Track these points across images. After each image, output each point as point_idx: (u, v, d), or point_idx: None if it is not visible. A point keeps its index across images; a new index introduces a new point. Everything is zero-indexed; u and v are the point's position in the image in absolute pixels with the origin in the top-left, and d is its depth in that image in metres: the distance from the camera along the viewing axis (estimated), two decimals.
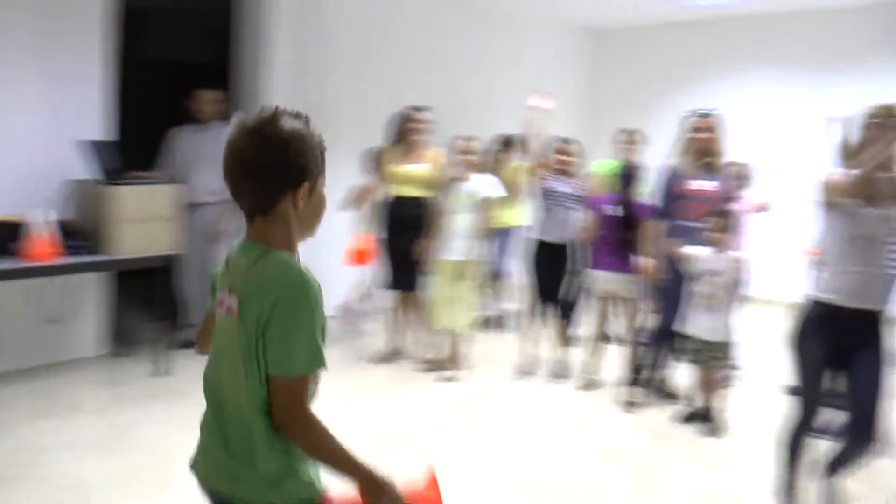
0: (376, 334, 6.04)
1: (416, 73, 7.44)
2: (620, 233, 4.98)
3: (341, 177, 6.66)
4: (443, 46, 7.73)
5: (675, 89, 8.81)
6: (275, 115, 1.62)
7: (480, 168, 5.48)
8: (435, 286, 5.35)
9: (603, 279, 5.14)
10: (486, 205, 5.24)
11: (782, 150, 7.82)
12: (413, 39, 7.40)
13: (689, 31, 8.82)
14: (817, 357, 3.27)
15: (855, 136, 3.20)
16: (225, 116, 5.75)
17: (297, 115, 1.66)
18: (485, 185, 5.29)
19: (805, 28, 8.02)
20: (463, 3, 7.82)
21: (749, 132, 8.18)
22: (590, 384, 5.28)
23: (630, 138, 5.91)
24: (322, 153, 1.68)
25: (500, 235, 6.40)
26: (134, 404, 4.56)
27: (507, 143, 6.74)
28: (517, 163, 6.53)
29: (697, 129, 4.67)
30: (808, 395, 3.35)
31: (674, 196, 4.69)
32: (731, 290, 4.43)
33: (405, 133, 5.50)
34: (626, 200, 5.01)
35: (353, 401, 4.85)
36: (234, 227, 5.68)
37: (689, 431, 4.55)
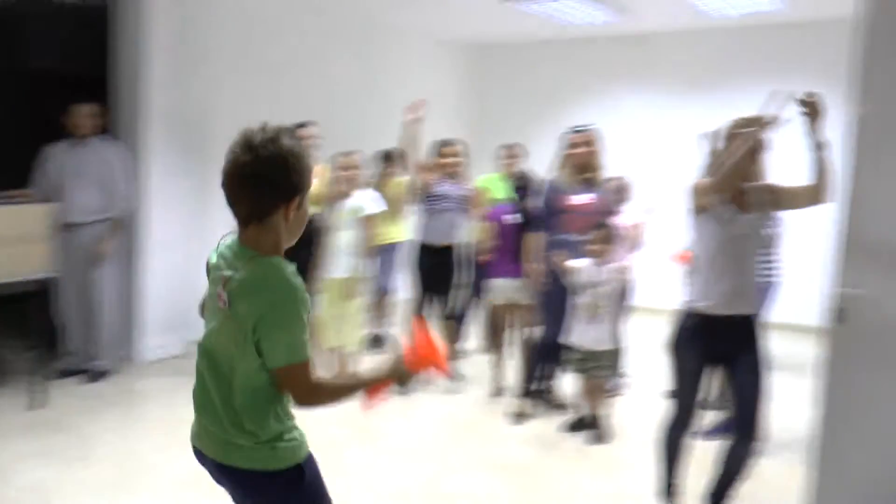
0: None
1: (299, 87, 7.37)
2: (519, 241, 5.06)
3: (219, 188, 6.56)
4: (326, 61, 7.68)
5: (555, 106, 9.05)
6: (276, 135, 1.83)
7: (362, 184, 5.46)
8: (322, 305, 5.31)
9: (501, 287, 5.22)
10: (369, 221, 5.21)
11: (658, 164, 8.18)
12: (295, 54, 7.33)
13: (567, 49, 9.09)
14: (693, 366, 3.34)
15: (719, 148, 3.32)
16: (103, 131, 5.53)
17: (293, 135, 1.87)
18: (367, 200, 5.25)
19: (677, 48, 8.44)
20: (345, 18, 7.81)
21: (626, 147, 8.52)
22: (499, 391, 5.34)
23: (511, 153, 6.09)
24: (310, 170, 1.91)
25: (384, 252, 6.39)
26: (7, 439, 4.31)
27: (388, 158, 6.72)
28: (399, 178, 6.54)
29: (575, 145, 4.80)
30: (685, 401, 3.42)
31: (554, 210, 4.80)
32: (614, 300, 4.59)
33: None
34: (523, 209, 5.10)
35: None
36: (115, 248, 5.49)
37: (577, 440, 4.68)
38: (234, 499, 2.03)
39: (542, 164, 5.46)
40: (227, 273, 1.87)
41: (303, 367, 1.81)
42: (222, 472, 1.94)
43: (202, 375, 1.94)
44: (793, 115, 3.03)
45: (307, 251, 5.28)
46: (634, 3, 7.09)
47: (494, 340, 5.44)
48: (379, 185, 6.37)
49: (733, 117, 3.27)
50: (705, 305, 3.24)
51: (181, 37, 6.15)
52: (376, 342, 6.57)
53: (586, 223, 4.66)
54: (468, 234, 5.85)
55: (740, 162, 3.07)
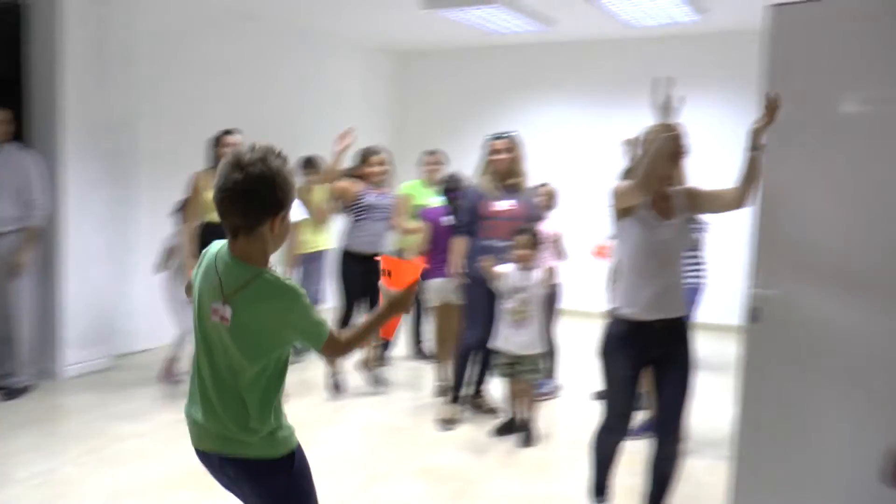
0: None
1: (228, 93, 7.29)
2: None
3: (148, 199, 6.42)
4: (253, 67, 7.61)
5: (480, 112, 9.13)
6: (264, 155, 2.01)
7: None
8: None
9: (437, 288, 5.26)
10: (292, 229, 5.11)
11: (582, 171, 8.33)
12: (223, 59, 7.24)
13: (492, 56, 9.18)
14: (624, 372, 3.26)
15: (638, 154, 3.28)
16: (16, 138, 5.35)
17: (279, 155, 2.06)
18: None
19: (600, 56, 8.61)
20: (272, 22, 7.75)
21: (551, 154, 8.68)
22: (444, 390, 5.34)
23: (434, 159, 6.16)
24: (293, 186, 2.10)
25: (310, 260, 6.34)
26: None
27: (310, 165, 6.66)
28: (322, 186, 6.50)
29: (497, 151, 4.85)
30: (617, 407, 3.36)
31: (477, 216, 4.84)
32: (540, 305, 4.66)
33: (220, 156, 5.36)
34: (455, 210, 5.13)
35: (177, 436, 4.67)
36: (31, 259, 5.31)
37: (507, 443, 4.72)
38: (234, 492, 2.25)
39: (467, 170, 5.53)
40: (227, 287, 2.05)
41: (331, 339, 2.12)
42: (227, 465, 2.15)
43: (204, 382, 2.14)
44: (678, 104, 3.15)
45: None
46: (558, 13, 7.22)
47: (438, 341, 5.48)
48: (301, 192, 6.33)
49: (650, 124, 3.24)
50: (632, 311, 3.20)
51: (102, 39, 5.98)
52: (300, 350, 6.48)
53: (509, 229, 4.72)
54: (392, 242, 5.88)
55: (658, 164, 3.04)
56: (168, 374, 5.72)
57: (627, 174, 3.40)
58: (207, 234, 5.33)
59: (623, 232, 3.25)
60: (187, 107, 6.88)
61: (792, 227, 3.15)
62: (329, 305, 7.79)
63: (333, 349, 2.16)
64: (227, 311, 2.03)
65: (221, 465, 2.16)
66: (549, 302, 5.35)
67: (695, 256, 5.42)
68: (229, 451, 2.12)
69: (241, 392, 2.08)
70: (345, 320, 5.44)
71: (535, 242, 4.62)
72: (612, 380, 3.34)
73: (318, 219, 6.40)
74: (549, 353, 5.52)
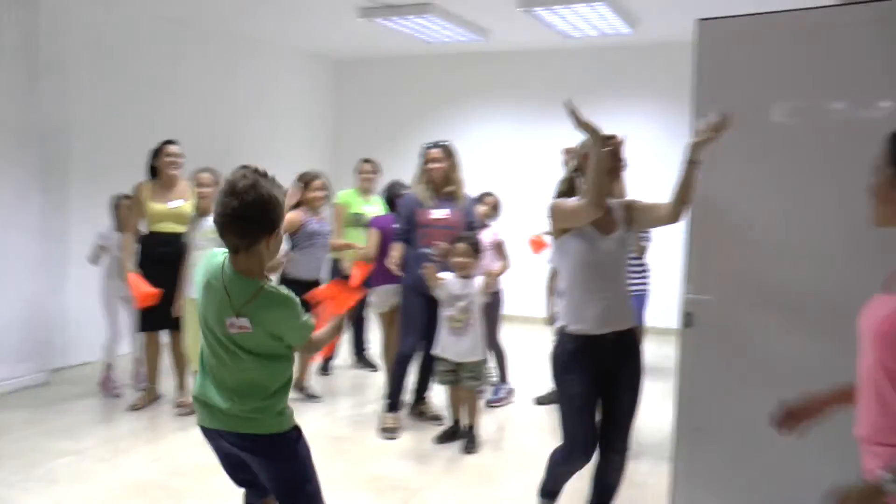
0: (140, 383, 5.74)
1: (162, 99, 7.19)
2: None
3: (81, 209, 6.27)
4: (188, 73, 7.52)
5: (419, 121, 9.18)
6: (255, 182, 2.32)
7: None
8: (187, 327, 5.18)
9: (385, 293, 5.30)
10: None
11: (522, 180, 8.43)
12: (156, 65, 7.14)
13: (431, 65, 9.24)
14: (582, 389, 3.14)
15: (574, 165, 3.25)
16: None
17: (267, 176, 2.38)
18: None
19: (538, 66, 8.73)
20: (207, 29, 7.66)
21: (490, 163, 8.77)
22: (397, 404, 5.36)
23: (370, 167, 6.21)
24: (283, 206, 2.42)
25: None
26: None
27: None
28: None
29: (432, 160, 4.89)
30: (578, 430, 3.20)
31: (414, 224, 4.88)
32: (480, 312, 4.71)
33: (162, 167, 5.32)
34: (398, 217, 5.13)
35: (114, 452, 4.58)
36: None
37: (450, 451, 4.75)
38: (238, 471, 2.67)
39: (406, 178, 5.56)
40: (235, 300, 2.39)
41: (310, 342, 2.56)
42: (240, 441, 2.50)
43: (217, 380, 2.50)
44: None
45: (172, 270, 5.14)
46: (492, 23, 7.31)
47: (385, 348, 5.53)
48: None
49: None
50: (582, 327, 3.11)
51: (30, 46, 5.83)
52: None
53: (444, 237, 4.77)
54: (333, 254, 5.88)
55: (599, 179, 2.97)
56: (106, 385, 5.61)
57: (563, 186, 3.30)
58: (151, 244, 5.28)
59: (564, 248, 3.17)
60: (122, 115, 6.76)
61: (722, 235, 3.25)
62: None
63: (312, 348, 2.66)
64: (245, 321, 2.39)
65: (236, 441, 2.51)
66: (493, 309, 5.41)
67: (641, 264, 5.55)
68: (247, 430, 2.48)
69: (254, 381, 2.46)
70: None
71: (474, 250, 4.67)
72: (571, 399, 3.18)
73: None
74: (499, 359, 5.58)
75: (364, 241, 6.05)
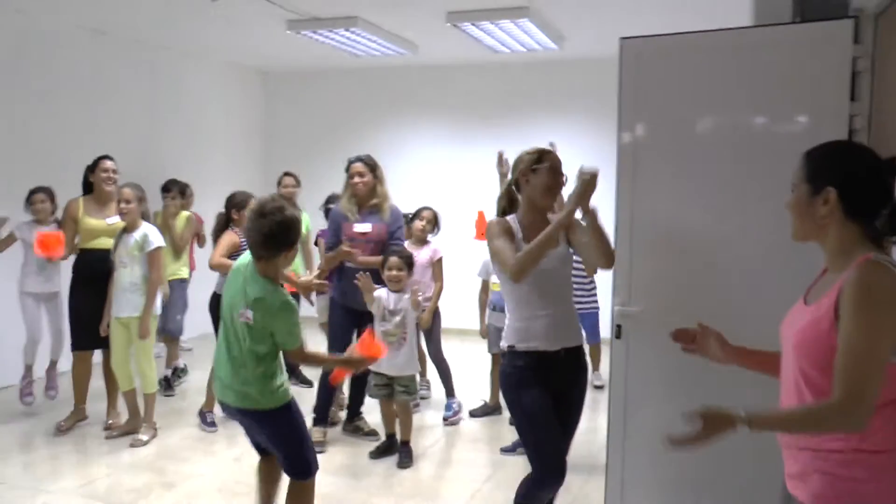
0: (64, 403, 5.54)
1: (84, 111, 6.99)
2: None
3: None
4: (105, 85, 7.30)
5: (348, 133, 9.11)
6: (281, 206, 3.06)
7: (142, 217, 5.04)
8: (114, 346, 5.05)
9: (325, 305, 5.37)
10: (155, 256, 4.95)
11: (452, 193, 8.48)
12: (79, 76, 6.94)
13: (360, 77, 9.21)
14: (541, 403, 3.02)
15: (510, 177, 3.25)
16: None
17: (291, 204, 3.22)
18: (153, 234, 4.97)
19: (466, 79, 8.80)
20: (122, 39, 7.47)
21: (419, 175, 8.80)
22: (338, 410, 5.37)
23: (294, 181, 6.20)
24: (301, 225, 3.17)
25: (171, 289, 6.09)
26: None
27: (168, 190, 6.38)
28: (182, 212, 6.34)
29: (356, 174, 4.90)
30: (545, 450, 3.04)
31: (339, 238, 4.89)
32: (413, 327, 4.73)
33: (97, 183, 5.23)
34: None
35: (37, 479, 4.41)
36: None
37: (386, 465, 4.74)
38: (249, 433, 3.38)
39: (337, 191, 5.55)
40: (249, 296, 3.04)
41: (300, 350, 3.18)
42: (241, 414, 3.21)
43: (228, 357, 3.15)
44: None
45: (101, 287, 5.02)
46: (419, 38, 7.35)
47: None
48: (161, 217, 6.15)
49: (525, 149, 3.21)
50: (530, 345, 3.05)
51: None
52: (168, 385, 6.28)
53: (367, 251, 4.80)
54: None
55: (539, 253, 2.92)
56: (23, 390, 5.43)
57: (502, 202, 3.28)
58: (87, 261, 5.18)
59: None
60: (40, 129, 6.55)
61: (649, 247, 3.34)
62: (190, 336, 7.62)
63: (296, 356, 3.24)
64: (250, 314, 3.03)
65: (240, 413, 3.20)
66: (434, 325, 5.44)
67: (591, 281, 5.65)
68: (246, 406, 3.15)
69: (253, 366, 3.08)
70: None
71: (407, 265, 4.68)
72: (532, 418, 3.03)
73: (178, 247, 6.22)
74: (444, 375, 5.59)
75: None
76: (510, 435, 5.05)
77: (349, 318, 4.91)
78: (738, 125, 3.21)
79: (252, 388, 3.09)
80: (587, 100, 8.16)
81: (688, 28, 3.29)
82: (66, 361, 5.78)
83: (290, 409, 3.19)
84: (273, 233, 3.00)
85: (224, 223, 5.24)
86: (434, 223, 5.72)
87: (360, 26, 6.49)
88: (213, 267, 5.05)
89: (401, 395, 4.72)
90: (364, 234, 4.81)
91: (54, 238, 5.03)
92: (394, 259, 4.66)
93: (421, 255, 5.54)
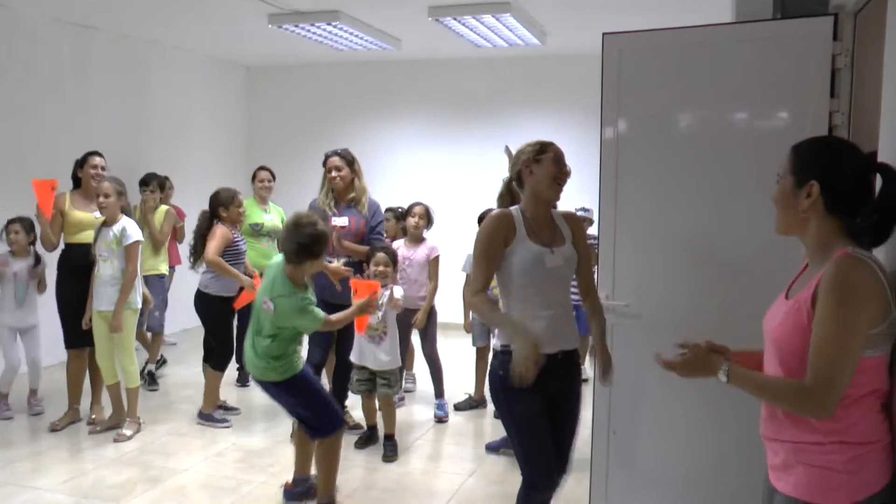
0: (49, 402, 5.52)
1: (64, 108, 6.93)
2: None
3: None
4: (90, 80, 7.26)
5: (330, 127, 9.08)
6: (314, 221, 3.67)
7: (123, 211, 5.01)
8: (97, 339, 5.03)
9: None
10: (132, 250, 4.91)
11: (435, 187, 8.49)
12: (61, 70, 6.88)
13: (343, 71, 9.19)
14: (532, 408, 2.91)
15: (511, 173, 3.08)
16: None
17: (323, 220, 3.86)
18: (131, 228, 4.93)
19: (453, 74, 8.80)
20: (106, 33, 7.40)
21: (405, 170, 8.81)
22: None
23: (269, 175, 6.21)
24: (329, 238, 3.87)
25: (149, 285, 6.00)
26: None
27: (146, 183, 6.30)
28: (161, 206, 6.30)
29: (333, 168, 4.90)
30: (536, 454, 2.95)
31: None
32: (394, 321, 4.77)
33: (85, 178, 5.25)
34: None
35: (18, 475, 4.40)
36: None
37: (369, 459, 4.76)
38: (279, 403, 3.97)
39: (316, 186, 5.53)
40: (273, 292, 3.67)
41: (322, 325, 3.75)
42: (263, 386, 3.86)
43: (253, 335, 3.78)
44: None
45: (84, 282, 5.00)
46: (402, 33, 7.35)
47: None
48: (140, 212, 6.11)
49: (528, 141, 3.05)
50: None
51: None
52: (152, 379, 6.26)
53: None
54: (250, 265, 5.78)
55: (541, 191, 2.90)
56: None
57: (503, 201, 3.14)
58: (73, 255, 5.20)
59: (504, 261, 2.93)
60: (21, 123, 6.49)
61: (634, 242, 3.37)
62: (173, 331, 7.60)
63: (327, 326, 3.82)
64: (272, 306, 3.64)
65: (261, 384, 3.85)
66: (429, 324, 5.46)
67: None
68: (266, 378, 3.78)
69: (266, 345, 3.70)
70: (229, 355, 5.38)
71: (391, 260, 4.70)
72: (521, 422, 2.93)
73: (158, 242, 6.18)
74: (436, 374, 5.59)
75: (264, 252, 6.00)
76: (494, 429, 5.09)
77: (330, 313, 4.89)
78: (720, 121, 3.25)
79: (265, 364, 3.72)
80: (570, 95, 8.19)
81: (670, 24, 3.32)
82: (49, 358, 5.77)
83: (297, 379, 3.77)
84: (304, 243, 3.59)
85: (209, 221, 5.23)
86: (427, 218, 5.65)
87: (343, 21, 6.49)
88: (209, 263, 5.07)
89: (382, 388, 4.74)
90: (342, 227, 4.82)
91: (48, 186, 5.04)
92: (380, 255, 4.68)
93: (418, 254, 5.52)
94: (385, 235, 6.13)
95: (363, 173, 5.04)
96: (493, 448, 4.86)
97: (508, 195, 3.14)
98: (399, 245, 5.57)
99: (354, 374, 4.79)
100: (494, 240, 2.91)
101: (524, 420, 2.91)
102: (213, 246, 5.07)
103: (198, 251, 5.23)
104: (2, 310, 5.30)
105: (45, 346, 5.63)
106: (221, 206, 5.19)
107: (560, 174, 2.94)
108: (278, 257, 3.74)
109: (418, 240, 5.59)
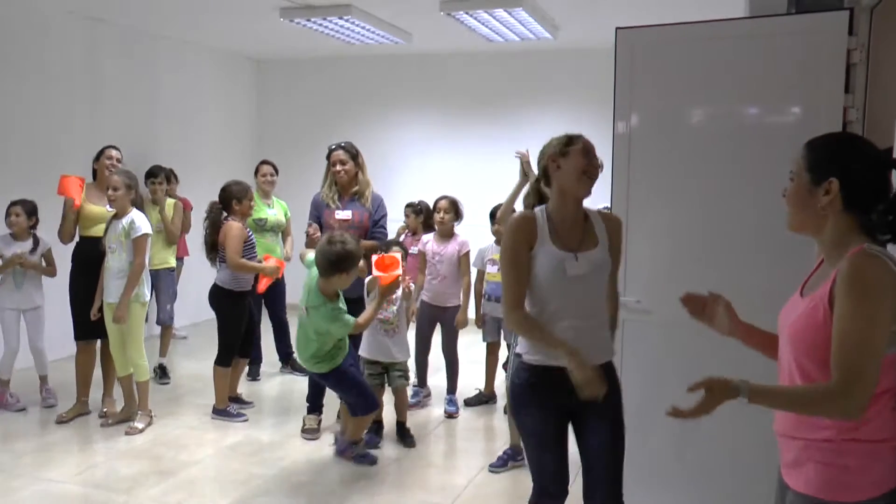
0: (63, 395, 5.55)
1: (75, 101, 6.96)
2: None
3: None
4: (101, 73, 7.27)
5: (340, 121, 9.06)
6: (346, 240, 4.09)
7: (128, 204, 4.96)
8: (109, 330, 5.05)
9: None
10: (138, 242, 4.91)
11: (445, 181, 8.47)
12: (67, 65, 6.90)
13: (354, 65, 9.18)
14: (540, 427, 2.74)
15: (539, 171, 2.84)
16: None
17: (355, 241, 4.24)
18: (140, 221, 4.94)
19: (464, 68, 8.77)
20: (116, 26, 7.42)
21: (414, 165, 8.80)
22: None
23: (271, 169, 6.19)
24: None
25: (158, 278, 6.05)
26: None
27: (154, 175, 6.23)
28: (169, 199, 6.28)
29: (337, 162, 4.91)
30: (541, 473, 2.80)
31: (321, 225, 4.91)
32: (404, 315, 4.82)
33: (100, 170, 5.31)
34: None
35: (33, 466, 4.43)
36: None
37: (376, 454, 4.73)
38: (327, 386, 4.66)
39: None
40: (308, 302, 4.23)
41: (354, 328, 4.25)
42: (315, 376, 4.54)
43: (300, 332, 4.36)
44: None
45: (95, 275, 5.03)
46: (414, 26, 7.33)
47: None
48: (147, 204, 6.12)
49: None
50: (538, 359, 2.68)
51: None
52: (164, 373, 6.29)
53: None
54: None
55: (568, 185, 2.67)
56: (2, 401, 5.41)
57: (531, 199, 3.03)
58: (85, 249, 5.25)
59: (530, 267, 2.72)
60: (32, 116, 6.52)
61: (646, 238, 3.36)
62: (183, 325, 7.63)
63: (356, 331, 4.33)
64: (306, 312, 4.22)
65: (315, 376, 4.53)
66: (451, 320, 5.46)
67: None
68: (316, 370, 4.40)
69: (306, 341, 4.31)
70: (233, 351, 5.36)
71: (403, 256, 4.72)
72: (528, 437, 2.80)
73: (172, 237, 6.18)
74: (452, 370, 5.58)
75: (268, 246, 6.00)
76: (504, 424, 5.09)
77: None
78: (734, 116, 3.23)
79: (310, 357, 4.32)
80: (582, 90, 8.16)
81: (683, 18, 3.31)
82: (61, 351, 5.81)
83: (339, 371, 4.34)
84: (332, 260, 4.03)
85: (220, 213, 5.23)
86: (454, 211, 5.55)
87: (354, 14, 6.48)
88: (234, 268, 5.07)
89: (398, 379, 4.80)
90: (345, 220, 4.84)
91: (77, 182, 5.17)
92: (395, 249, 4.73)
93: (448, 249, 5.48)
94: (407, 230, 6.16)
95: (366, 166, 5.05)
96: (498, 466, 4.49)
97: (534, 195, 3.01)
98: (429, 240, 5.58)
99: (365, 369, 4.78)
100: (516, 247, 2.68)
101: (530, 436, 2.79)
102: (233, 249, 5.03)
103: (211, 244, 5.22)
104: (2, 292, 5.33)
105: (56, 339, 5.67)
106: (235, 200, 5.18)
107: (590, 167, 2.66)
108: (314, 270, 4.18)
109: (448, 235, 5.54)
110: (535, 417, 2.73)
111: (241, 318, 5.32)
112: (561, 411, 2.72)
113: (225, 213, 5.21)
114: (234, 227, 5.10)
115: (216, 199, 5.26)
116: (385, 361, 4.76)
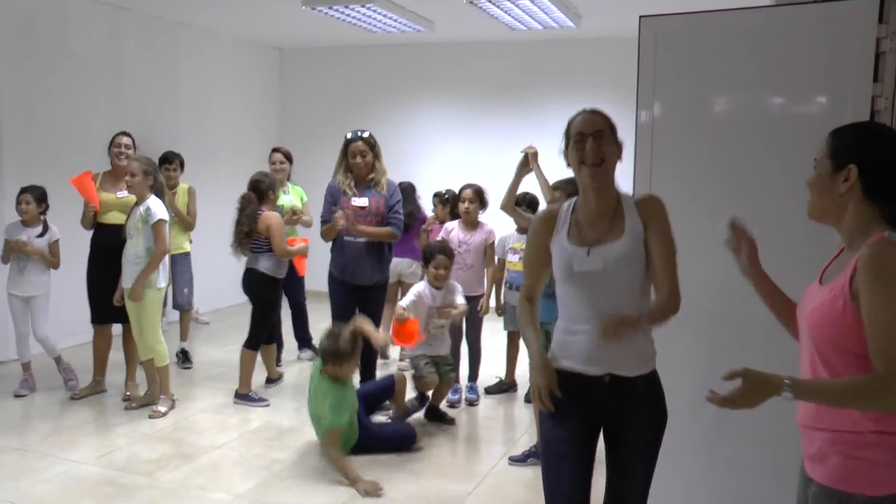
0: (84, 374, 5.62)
1: (98, 85, 7.02)
2: None
3: (13, 199, 6.00)
4: (124, 61, 7.32)
5: (361, 110, 9.07)
6: (338, 333, 4.34)
7: (145, 189, 4.99)
8: (131, 316, 5.11)
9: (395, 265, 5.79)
10: (158, 228, 4.94)
11: (466, 170, 8.46)
12: (90, 54, 6.95)
13: (375, 54, 9.18)
14: (555, 437, 2.46)
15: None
16: None
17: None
18: (157, 206, 4.97)
19: (483, 57, 8.76)
20: (139, 14, 7.45)
21: (435, 154, 8.79)
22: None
23: (283, 156, 6.21)
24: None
25: (175, 263, 6.06)
26: None
27: (167, 161, 6.20)
28: (183, 184, 6.27)
29: (357, 153, 4.94)
30: (555, 488, 2.48)
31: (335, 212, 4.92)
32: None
33: (112, 158, 5.37)
34: None
35: (56, 447, 4.50)
36: None
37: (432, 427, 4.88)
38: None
39: None
40: (312, 385, 4.50)
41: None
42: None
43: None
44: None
45: (112, 262, 5.08)
46: (436, 14, 7.32)
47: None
48: (167, 189, 6.14)
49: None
50: (565, 364, 2.44)
51: None
52: (186, 357, 6.34)
53: (364, 225, 4.89)
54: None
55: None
56: (21, 386, 5.48)
57: (571, 187, 2.95)
58: (99, 236, 5.33)
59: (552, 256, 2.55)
60: (56, 104, 6.57)
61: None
62: (205, 310, 7.69)
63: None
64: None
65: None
66: (474, 312, 5.49)
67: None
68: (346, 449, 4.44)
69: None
70: (264, 336, 5.49)
71: (449, 260, 4.96)
72: (547, 445, 2.51)
73: (189, 223, 6.22)
74: (475, 360, 5.63)
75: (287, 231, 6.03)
76: (524, 412, 5.10)
77: (351, 295, 5.01)
78: (759, 106, 3.19)
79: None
80: (605, 79, 8.09)
81: (708, 7, 3.27)
82: (82, 335, 5.88)
83: (363, 431, 4.53)
84: (326, 351, 4.35)
85: (256, 205, 5.26)
86: (479, 200, 5.57)
87: (377, 3, 6.47)
88: (283, 256, 5.28)
89: (449, 373, 5.06)
90: (362, 208, 4.87)
91: (86, 178, 5.21)
92: (441, 258, 4.90)
93: (475, 238, 5.52)
94: (437, 220, 6.18)
95: (382, 155, 5.10)
96: (517, 460, 4.46)
97: (573, 183, 2.79)
98: (453, 227, 5.62)
99: (423, 364, 4.94)
100: (534, 241, 2.57)
101: (549, 444, 2.49)
102: (278, 238, 5.20)
103: (247, 233, 5.22)
104: (9, 278, 5.39)
105: (74, 324, 5.73)
106: (270, 190, 5.32)
107: (595, 154, 2.39)
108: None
109: (473, 224, 5.58)
110: (551, 426, 2.46)
111: (278, 303, 5.47)
112: (586, 425, 2.46)
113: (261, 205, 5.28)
114: (274, 217, 5.25)
115: (239, 187, 5.32)
116: (433, 355, 5.00)
